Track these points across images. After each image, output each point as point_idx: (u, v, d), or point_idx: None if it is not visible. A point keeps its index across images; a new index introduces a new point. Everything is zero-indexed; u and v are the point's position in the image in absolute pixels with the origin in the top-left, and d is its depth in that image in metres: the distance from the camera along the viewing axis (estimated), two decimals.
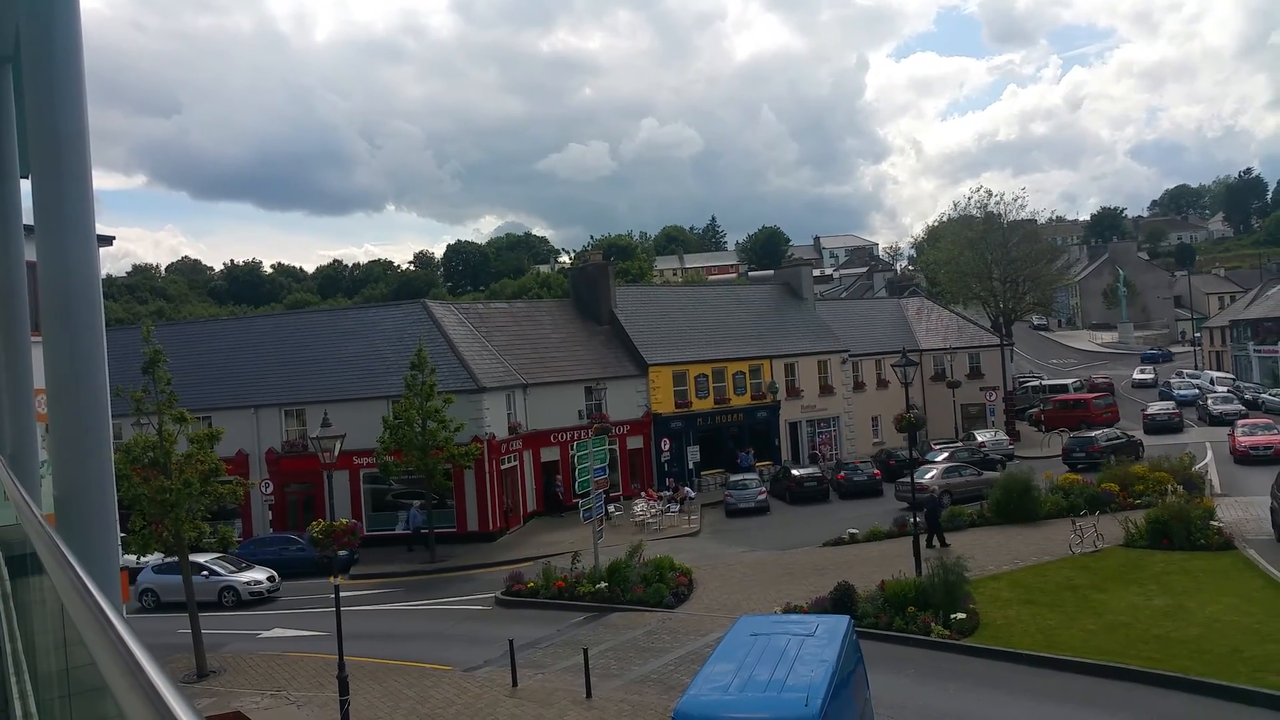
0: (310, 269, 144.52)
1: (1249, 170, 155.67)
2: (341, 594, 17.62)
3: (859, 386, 50.73)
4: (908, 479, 32.78)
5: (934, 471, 34.45)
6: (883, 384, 51.25)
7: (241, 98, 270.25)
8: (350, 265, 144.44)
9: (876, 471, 39.28)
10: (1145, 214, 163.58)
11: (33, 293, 5.10)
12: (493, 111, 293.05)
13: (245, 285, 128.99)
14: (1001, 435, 47.07)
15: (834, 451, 47.94)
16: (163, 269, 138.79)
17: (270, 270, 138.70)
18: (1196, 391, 55.43)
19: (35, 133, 3.51)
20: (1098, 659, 16.37)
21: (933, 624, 18.46)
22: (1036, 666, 16.73)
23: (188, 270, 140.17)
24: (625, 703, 16.27)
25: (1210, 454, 38.09)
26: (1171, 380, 62.03)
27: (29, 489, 4.73)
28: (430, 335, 35.95)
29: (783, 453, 46.01)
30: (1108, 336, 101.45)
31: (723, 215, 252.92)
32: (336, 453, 18.15)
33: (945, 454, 39.66)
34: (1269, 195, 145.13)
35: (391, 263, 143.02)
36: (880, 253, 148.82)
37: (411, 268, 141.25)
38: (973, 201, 56.63)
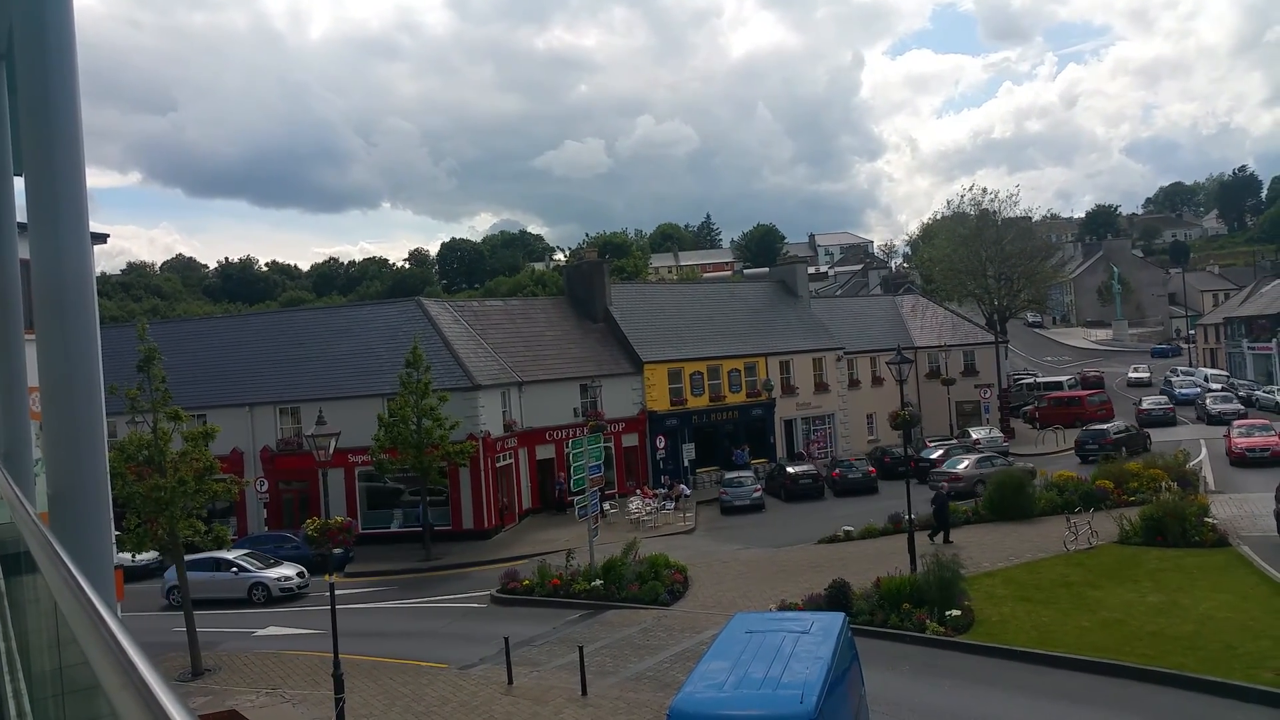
0: (305, 267, 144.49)
1: (1243, 168, 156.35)
2: (336, 592, 17.59)
3: (854, 384, 50.80)
4: (941, 468, 35.09)
5: (967, 462, 35.31)
6: (878, 381, 51.33)
7: (237, 95, 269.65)
8: (345, 263, 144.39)
9: (871, 469, 39.37)
10: (1140, 211, 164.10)
11: (26, 290, 5.08)
12: (488, 109, 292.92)
13: (239, 283, 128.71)
14: (996, 432, 47.19)
15: (827, 449, 48.00)
16: (157, 267, 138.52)
17: (265, 268, 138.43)
18: (1198, 390, 54.70)
19: (28, 130, 3.50)
20: (1092, 656, 16.43)
21: (928, 621, 18.50)
22: (1031, 663, 16.79)
23: (182, 268, 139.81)
24: (621, 700, 16.29)
25: (1205, 451, 38.22)
26: (1172, 379, 61.74)
27: (23, 487, 4.71)
28: (425, 333, 35.91)
29: (778, 450, 46.04)
30: (1102, 334, 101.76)
31: (718, 213, 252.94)
32: (331, 451, 18.13)
33: (943, 448, 40.00)
34: (1263, 193, 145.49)
35: (387, 260, 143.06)
36: (875, 250, 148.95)
37: (407, 265, 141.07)
38: (966, 199, 56.79)
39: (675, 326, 45.58)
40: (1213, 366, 70.19)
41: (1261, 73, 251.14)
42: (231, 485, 23.25)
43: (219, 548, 24.86)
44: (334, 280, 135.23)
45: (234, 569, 27.87)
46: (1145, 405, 50.36)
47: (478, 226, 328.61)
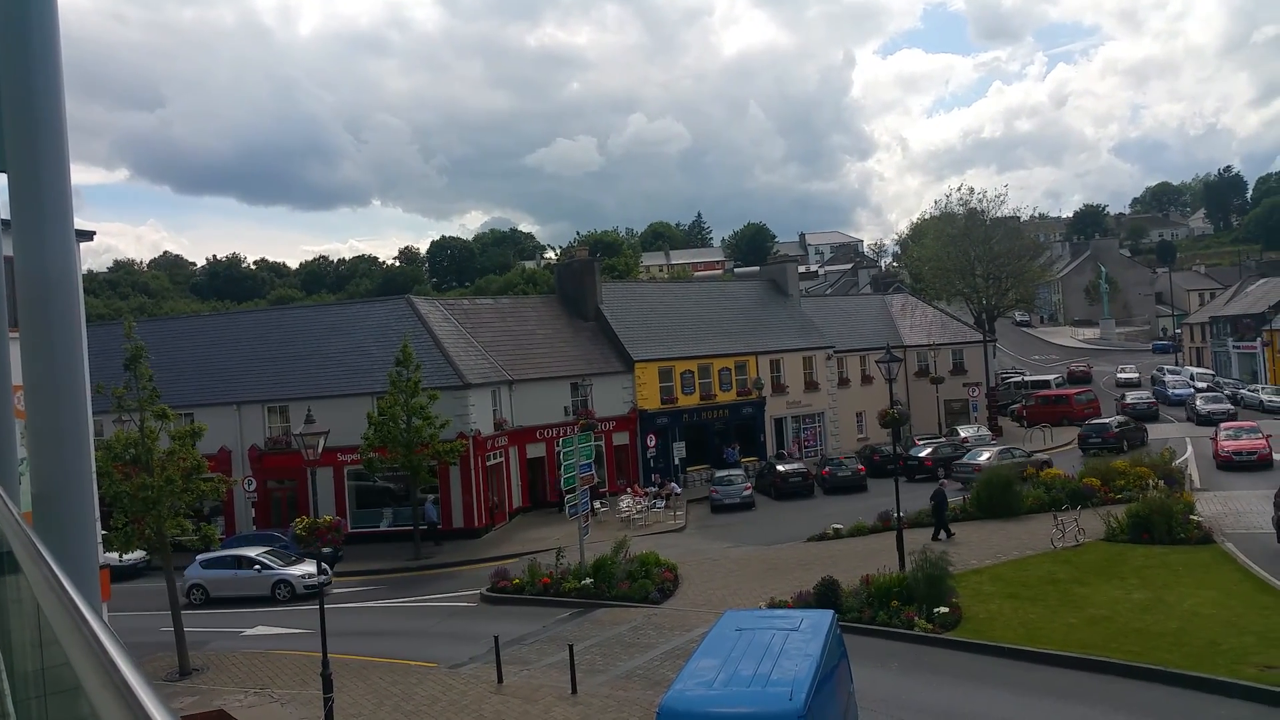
0: (294, 264, 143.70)
1: (1229, 168, 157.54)
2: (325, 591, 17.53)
3: (844, 382, 50.94)
4: (963, 460, 36.73)
5: (988, 454, 36.31)
6: (867, 380, 51.47)
7: (225, 91, 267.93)
8: (335, 261, 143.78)
9: (861, 467, 39.51)
10: (1127, 211, 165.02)
11: (10, 288, 5.04)
12: (479, 106, 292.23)
13: (228, 281, 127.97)
14: (984, 430, 47.45)
15: (815, 448, 48.11)
16: (145, 264, 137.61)
17: (253, 266, 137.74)
18: (1191, 391, 54.48)
19: (11, 125, 3.47)
20: (1079, 652, 16.54)
21: (916, 618, 18.58)
22: (1019, 660, 16.89)
23: (170, 266, 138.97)
24: (611, 698, 16.30)
25: (1190, 449, 38.50)
26: (1165, 379, 61.73)
27: (8, 487, 4.68)
28: (415, 331, 35.80)
29: (768, 448, 46.13)
30: (1089, 333, 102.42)
31: (709, 211, 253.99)
32: (320, 449, 18.06)
33: (931, 446, 40.24)
34: (1248, 193, 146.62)
35: (376, 258, 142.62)
36: (865, 249, 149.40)
37: (397, 263, 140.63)
38: (954, 199, 57.06)
39: (666, 325, 45.61)
40: (1199, 365, 70.70)
41: (1248, 74, 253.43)
42: (219, 484, 23.11)
43: (207, 547, 24.73)
44: (323, 278, 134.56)
45: (257, 566, 27.36)
46: (1129, 400, 52.21)
47: (468, 224, 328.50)
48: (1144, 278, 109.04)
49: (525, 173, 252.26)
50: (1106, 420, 43.47)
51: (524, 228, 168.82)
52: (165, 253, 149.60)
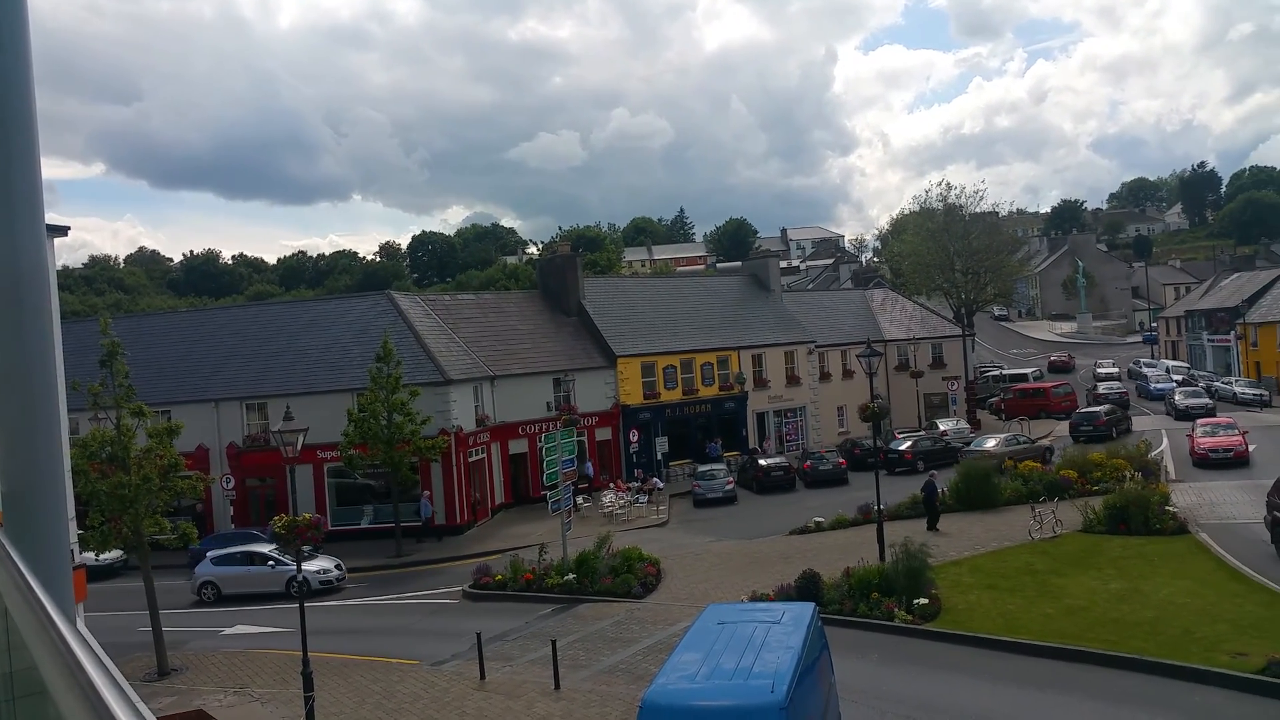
0: (273, 260, 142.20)
1: (1204, 164, 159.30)
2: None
3: (825, 377, 51.20)
4: (971, 446, 37.90)
5: (994, 441, 37.76)
6: (848, 374, 51.77)
7: (203, 84, 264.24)
8: (314, 256, 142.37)
9: (842, 461, 39.75)
10: (1104, 206, 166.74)
11: None
12: (461, 100, 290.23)
13: (205, 276, 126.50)
14: (963, 424, 47.85)
15: (799, 441, 48.35)
16: (121, 260, 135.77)
17: (230, 261, 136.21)
18: (1172, 385, 54.82)
19: None
20: (1057, 642, 16.75)
21: (896, 610, 18.74)
22: (997, 650, 17.07)
23: (146, 261, 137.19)
24: (594, 693, 16.31)
25: (1166, 441, 39.03)
26: (1146, 373, 62.32)
27: None
28: (396, 327, 35.59)
29: (750, 443, 46.29)
30: (1067, 327, 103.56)
31: (691, 206, 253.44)
32: (299, 447, 17.93)
33: (911, 439, 40.55)
34: (1223, 188, 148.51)
35: (356, 253, 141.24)
36: (846, 245, 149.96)
37: (377, 258, 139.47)
38: (934, 194, 57.42)
39: (648, 320, 45.61)
40: (1174, 358, 71.66)
41: (1224, 71, 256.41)
42: (197, 482, 22.88)
43: (185, 546, 24.47)
44: (302, 274, 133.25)
45: (270, 562, 26.96)
46: (1101, 390, 53.65)
47: (450, 219, 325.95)
48: (1121, 272, 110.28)
49: (507, 167, 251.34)
50: (1096, 409, 45.12)
51: (506, 223, 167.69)
52: (142, 248, 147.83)
